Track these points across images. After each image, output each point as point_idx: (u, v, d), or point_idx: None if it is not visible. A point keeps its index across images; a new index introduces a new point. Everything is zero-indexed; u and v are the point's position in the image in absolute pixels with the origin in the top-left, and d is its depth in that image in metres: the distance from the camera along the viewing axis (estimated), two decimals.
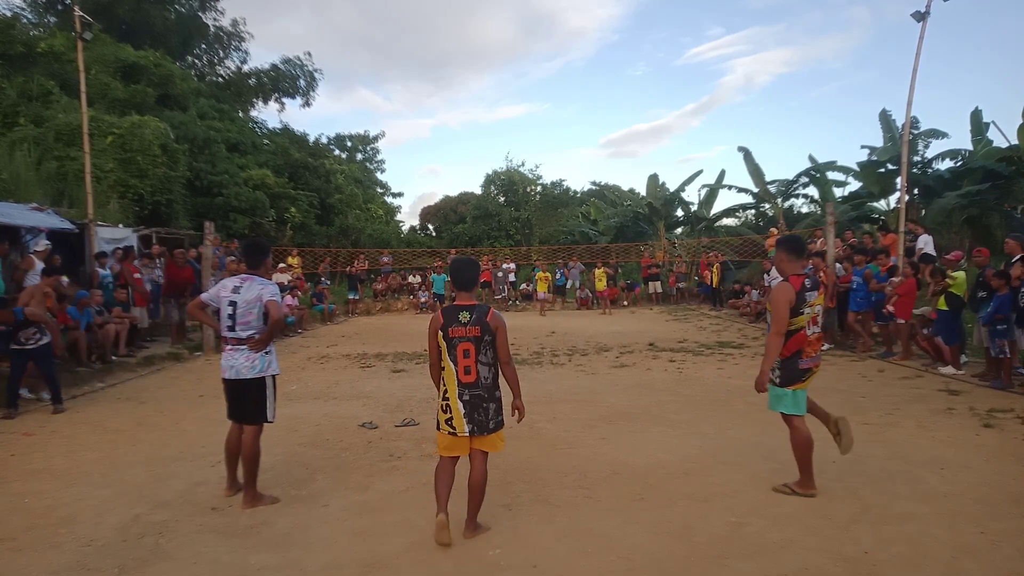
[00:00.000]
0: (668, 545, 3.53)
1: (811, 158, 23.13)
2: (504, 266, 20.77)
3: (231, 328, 4.21)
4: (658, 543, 3.55)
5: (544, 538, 3.64)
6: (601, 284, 19.01)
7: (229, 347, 4.23)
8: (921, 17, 10.87)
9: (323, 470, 4.93)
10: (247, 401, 4.26)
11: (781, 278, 4.22)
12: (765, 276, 13.89)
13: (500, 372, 3.64)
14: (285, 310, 13.77)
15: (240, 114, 29.47)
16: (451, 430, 3.53)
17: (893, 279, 9.67)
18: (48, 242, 9.68)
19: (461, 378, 3.50)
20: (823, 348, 4.25)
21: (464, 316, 3.51)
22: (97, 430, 6.23)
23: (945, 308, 8.28)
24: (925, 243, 12.27)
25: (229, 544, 3.65)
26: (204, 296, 4.52)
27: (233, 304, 4.20)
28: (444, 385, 3.57)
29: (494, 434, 3.59)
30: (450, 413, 3.52)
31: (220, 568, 3.37)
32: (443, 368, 3.57)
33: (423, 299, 19.88)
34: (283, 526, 3.89)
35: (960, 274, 8.46)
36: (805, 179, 23.01)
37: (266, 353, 4.26)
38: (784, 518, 3.83)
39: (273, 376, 4.33)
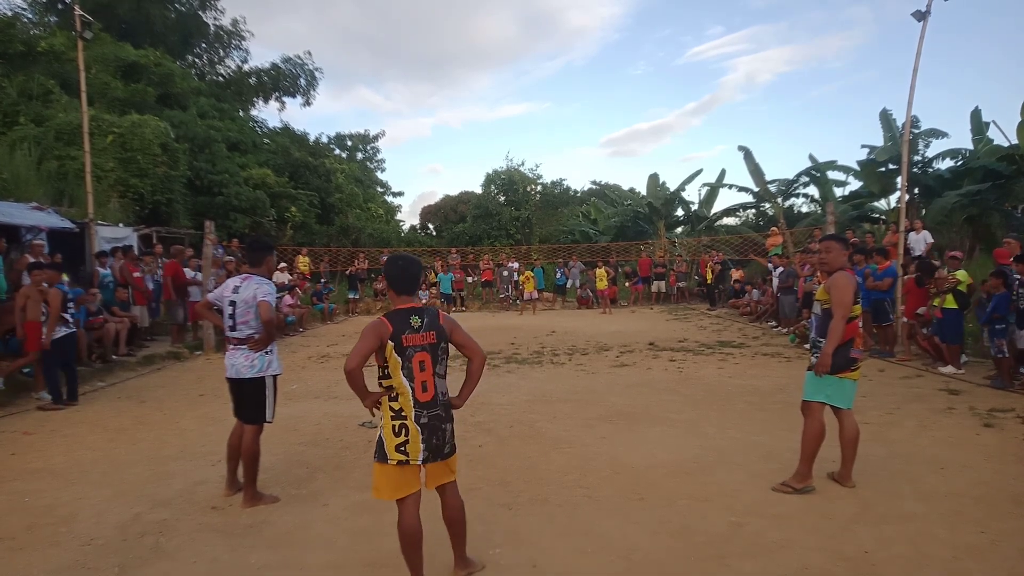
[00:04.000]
0: (668, 545, 3.52)
1: (811, 157, 23.23)
2: (510, 265, 20.46)
3: (232, 328, 4.24)
4: (658, 543, 3.55)
5: (544, 538, 3.63)
6: (603, 284, 18.95)
7: (231, 346, 4.27)
8: (922, 17, 10.83)
9: (323, 469, 4.93)
10: (246, 401, 4.27)
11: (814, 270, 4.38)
12: (774, 271, 13.88)
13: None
14: (285, 310, 13.89)
15: (240, 113, 29.43)
16: (403, 457, 2.92)
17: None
18: (42, 241, 9.70)
19: (418, 396, 2.93)
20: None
21: (415, 320, 2.96)
22: (97, 429, 6.24)
23: (955, 306, 8.25)
24: (915, 242, 12.23)
25: (229, 543, 3.65)
26: (210, 296, 4.56)
27: (233, 304, 4.24)
28: (396, 404, 2.95)
29: (449, 459, 3.07)
30: (405, 436, 2.93)
31: (220, 567, 3.37)
32: (392, 387, 2.95)
33: (424, 301, 19.58)
34: (283, 525, 3.89)
35: (963, 272, 8.45)
36: (805, 178, 23.04)
37: (266, 353, 4.27)
38: (784, 518, 3.83)
39: (274, 376, 4.33)
